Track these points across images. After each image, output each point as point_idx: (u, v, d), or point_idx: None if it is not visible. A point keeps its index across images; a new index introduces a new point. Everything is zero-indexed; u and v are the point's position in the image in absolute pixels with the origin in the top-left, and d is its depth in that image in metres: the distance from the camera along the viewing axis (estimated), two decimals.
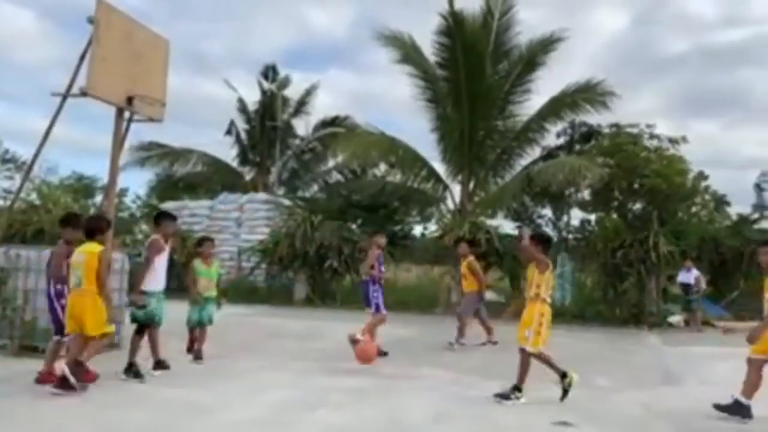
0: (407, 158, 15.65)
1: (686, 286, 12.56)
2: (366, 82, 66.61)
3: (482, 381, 6.40)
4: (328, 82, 59.30)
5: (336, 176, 20.37)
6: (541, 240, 5.89)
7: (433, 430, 4.56)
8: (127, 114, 7.42)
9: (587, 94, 14.60)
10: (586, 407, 5.34)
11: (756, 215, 17.89)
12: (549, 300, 5.70)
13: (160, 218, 6.48)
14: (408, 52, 15.42)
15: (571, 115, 15.41)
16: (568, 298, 14.51)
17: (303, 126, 21.11)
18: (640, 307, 12.82)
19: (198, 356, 6.97)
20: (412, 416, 4.88)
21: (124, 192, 26.89)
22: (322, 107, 38.57)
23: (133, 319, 6.06)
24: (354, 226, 17.27)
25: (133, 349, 5.94)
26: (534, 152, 16.20)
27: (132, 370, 5.82)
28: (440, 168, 16.16)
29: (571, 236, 17.13)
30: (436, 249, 15.47)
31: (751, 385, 5.19)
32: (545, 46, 14.98)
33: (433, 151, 16.31)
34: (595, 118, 15.52)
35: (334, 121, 20.42)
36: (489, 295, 16.28)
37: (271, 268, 15.97)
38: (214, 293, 7.34)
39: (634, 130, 14.10)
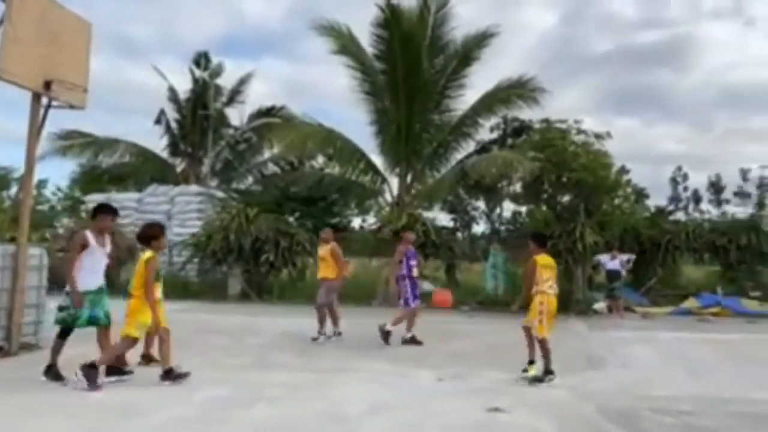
0: (345, 150, 15.61)
1: (613, 273, 13.30)
2: (302, 72, 65.79)
3: (416, 370, 6.50)
4: (263, 71, 58.74)
5: (272, 168, 20.00)
6: (533, 238, 6.72)
7: (369, 421, 4.58)
8: (44, 100, 6.95)
9: (519, 90, 15.07)
10: (517, 393, 5.54)
11: (671, 207, 19.17)
12: (550, 291, 6.41)
13: (97, 211, 5.93)
14: (345, 44, 15.34)
15: (503, 110, 15.90)
16: (501, 287, 14.99)
17: (237, 116, 20.58)
18: (567, 294, 13.42)
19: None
20: (349, 408, 4.89)
21: (43, 183, 25.31)
22: (256, 97, 37.61)
23: (57, 321, 5.60)
24: (291, 219, 17.04)
25: (55, 351, 5.57)
26: (468, 146, 16.61)
27: (52, 372, 5.50)
28: (378, 161, 16.26)
29: (503, 228, 17.71)
30: (375, 241, 15.54)
31: None
32: (479, 41, 15.33)
33: (371, 144, 16.39)
34: (526, 113, 16.09)
35: (269, 111, 20.01)
36: (425, 286, 16.63)
37: (203, 263, 15.51)
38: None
39: (563, 126, 14.68)
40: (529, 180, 13.64)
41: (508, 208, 18.00)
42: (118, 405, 4.83)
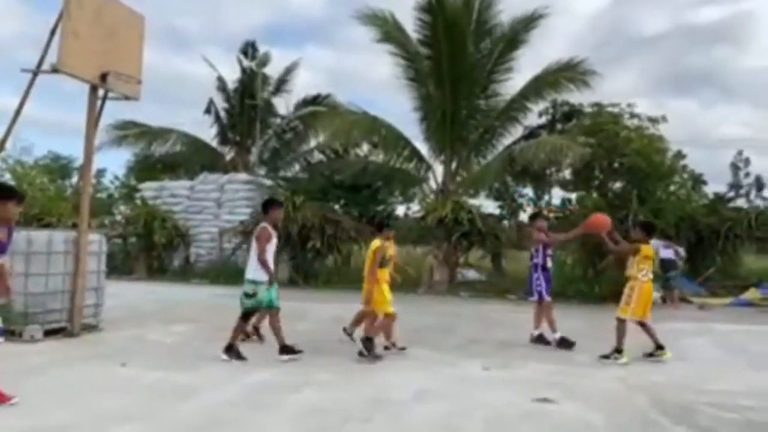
0: (390, 138, 15.58)
1: (667, 262, 12.80)
2: (346, 60, 65.91)
3: (462, 359, 6.46)
4: (308, 59, 58.77)
5: (318, 156, 20.20)
6: (643, 226, 6.92)
7: (415, 408, 4.59)
8: (101, 91, 7.23)
9: (569, 73, 14.62)
10: (566, 384, 5.42)
11: (731, 194, 18.24)
12: (644, 278, 6.57)
13: (270, 204, 6.51)
14: (389, 30, 15.24)
15: (553, 94, 15.46)
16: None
17: (283, 105, 20.84)
18: (618, 284, 13.01)
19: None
20: (395, 395, 4.91)
21: (101, 172, 26.42)
22: (302, 85, 38.01)
23: (248, 308, 6.19)
24: (336, 207, 17.23)
25: (236, 333, 6.12)
26: (516, 131, 16.27)
27: (234, 351, 6.00)
28: (423, 148, 16.17)
29: (552, 215, 17.27)
30: (419, 229, 15.51)
31: None
32: (527, 23, 14.92)
33: (415, 131, 16.29)
34: (576, 97, 15.60)
35: (315, 100, 20.16)
36: (471, 274, 16.50)
37: None
38: None
39: (615, 110, 14.16)
40: (579, 166, 13.27)
41: (556, 195, 17.57)
42: (171, 386, 5.02)
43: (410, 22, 15.15)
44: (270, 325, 6.29)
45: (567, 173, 14.94)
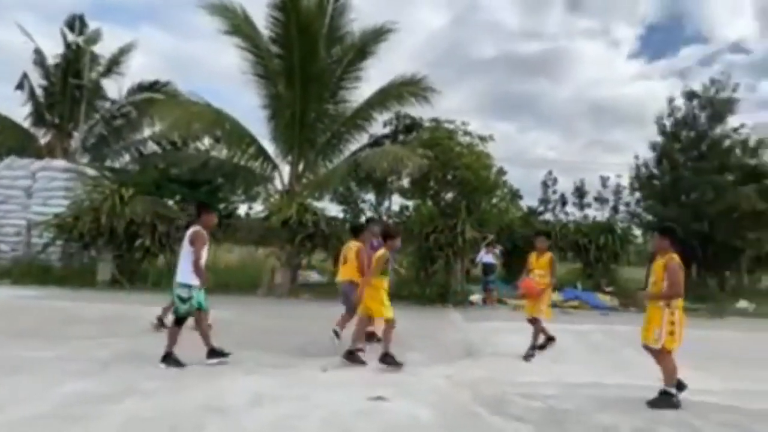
0: (234, 133, 15.00)
1: (488, 266, 14.18)
2: (186, 46, 62.21)
3: (299, 361, 6.46)
4: (144, 41, 54.08)
5: (152, 147, 18.70)
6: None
7: (250, 413, 4.47)
8: None
9: (411, 87, 15.41)
10: (399, 382, 5.71)
11: (541, 208, 20.84)
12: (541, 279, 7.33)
13: (202, 210, 6.43)
14: (239, 24, 14.70)
15: (396, 106, 16.16)
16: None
17: (115, 88, 18.96)
18: (446, 287, 14.08)
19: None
20: (228, 400, 4.73)
21: None
22: (137, 69, 34.85)
23: (183, 313, 6.03)
24: (171, 202, 16.10)
25: (172, 340, 5.98)
26: (362, 139, 16.71)
27: (171, 359, 5.89)
28: (269, 147, 15.82)
29: (391, 221, 18.09)
30: (262, 230, 15.15)
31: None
32: (376, 36, 15.45)
33: (262, 129, 15.89)
34: (417, 111, 16.52)
35: (152, 86, 18.67)
36: (314, 276, 16.56)
37: (68, 246, 14.18)
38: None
39: (451, 126, 15.35)
40: (417, 176, 14.09)
41: (396, 202, 18.46)
42: None
43: (261, 18, 14.79)
44: (197, 326, 6.20)
45: (406, 182, 15.80)
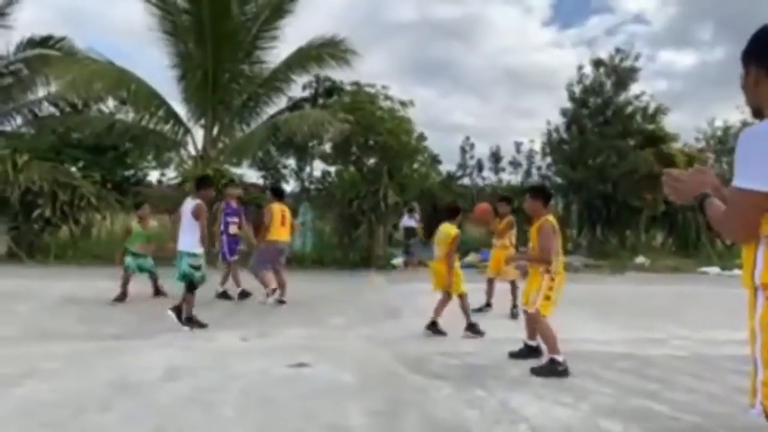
0: (141, 94, 14.03)
1: (409, 230, 14.42)
2: None
3: (218, 332, 6.29)
4: None
5: (48, 109, 17.10)
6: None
7: (165, 388, 4.28)
8: None
9: (332, 49, 15.03)
10: (320, 347, 5.70)
11: (460, 173, 21.35)
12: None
13: (202, 184, 6.84)
14: None
15: (316, 68, 15.74)
16: (309, 245, 15.21)
17: (2, 43, 17.01)
18: (370, 251, 14.20)
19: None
20: (140, 377, 4.51)
21: None
22: (25, 23, 31.38)
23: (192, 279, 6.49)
24: (73, 169, 14.96)
25: (190, 304, 6.49)
26: (281, 102, 16.21)
27: (194, 321, 6.46)
28: (181, 109, 14.96)
29: (312, 187, 17.88)
30: (176, 197, 14.44)
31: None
32: None
33: (172, 90, 14.98)
34: (338, 74, 16.19)
35: (45, 42, 16.91)
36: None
37: None
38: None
39: (372, 90, 15.19)
40: (338, 141, 13.91)
41: (317, 167, 18.19)
42: None
43: None
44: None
45: (328, 147, 15.56)
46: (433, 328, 6.45)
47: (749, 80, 1.86)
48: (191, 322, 6.45)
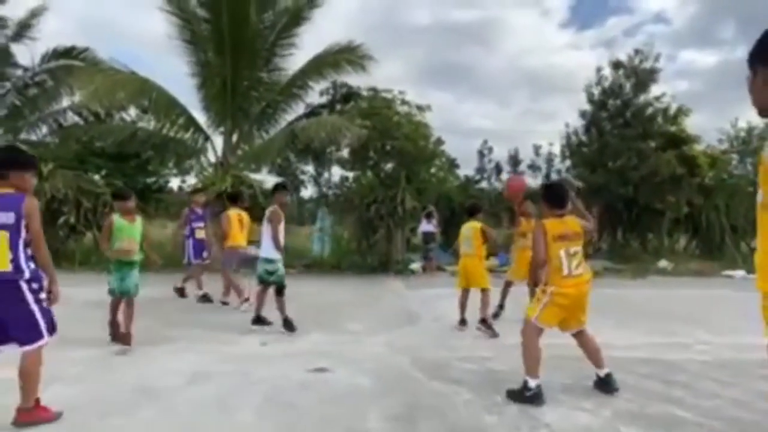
0: (162, 103, 14.26)
1: (428, 235, 14.40)
2: (103, 8, 58.16)
3: (238, 337, 6.36)
4: (56, 3, 49.91)
5: (73, 118, 17.47)
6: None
7: (188, 393, 4.35)
8: None
9: (348, 55, 15.12)
10: (339, 352, 5.72)
11: (477, 177, 21.27)
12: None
13: (276, 190, 6.90)
14: None
15: (333, 74, 15.83)
16: (327, 250, 15.28)
17: (26, 54, 17.48)
18: (388, 256, 14.21)
19: (125, 340, 5.88)
20: (165, 381, 4.58)
21: None
22: (50, 34, 32.11)
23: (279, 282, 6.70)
24: (97, 177, 15.27)
25: (282, 307, 6.74)
26: (298, 108, 16.32)
27: (288, 323, 6.68)
28: (201, 117, 15.18)
29: (331, 192, 17.97)
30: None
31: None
32: (310, 1, 14.98)
33: (192, 98, 15.22)
34: (354, 79, 16.26)
35: (69, 52, 17.32)
36: (252, 250, 16.22)
37: None
38: (138, 257, 6.12)
39: (389, 95, 15.23)
40: (356, 146, 13.96)
41: (336, 173, 18.28)
42: None
43: None
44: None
45: (345, 153, 15.64)
46: (484, 325, 6.76)
47: (757, 81, 1.88)
48: (287, 323, 6.64)
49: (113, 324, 6.02)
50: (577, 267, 4.42)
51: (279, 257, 6.65)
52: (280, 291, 6.73)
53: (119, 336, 5.92)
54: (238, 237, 8.68)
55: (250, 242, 10.37)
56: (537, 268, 4.52)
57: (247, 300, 8.09)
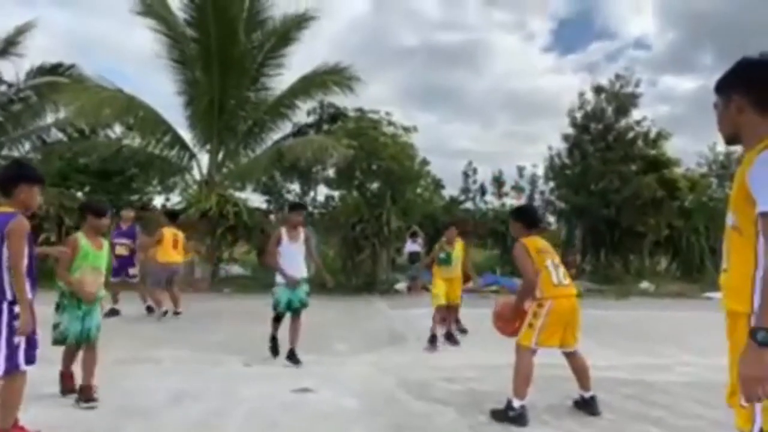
0: (148, 121, 14.26)
1: (413, 255, 14.44)
2: (90, 25, 58.10)
3: (222, 357, 6.30)
4: (42, 20, 49.81)
5: (56, 135, 17.33)
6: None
7: (171, 412, 4.30)
8: None
9: (335, 76, 15.29)
10: (324, 372, 5.70)
11: (462, 197, 21.36)
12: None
13: (290, 210, 6.56)
14: (151, 5, 13.94)
15: (320, 94, 16.00)
16: (312, 269, 15.20)
17: (10, 71, 17.34)
18: (373, 276, 14.21)
19: (86, 393, 4.49)
20: (146, 401, 4.53)
21: None
22: (36, 51, 31.97)
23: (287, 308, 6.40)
24: (80, 194, 15.12)
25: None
26: (285, 127, 16.43)
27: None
28: (187, 135, 15.18)
29: (316, 211, 17.97)
30: (180, 222, 14.54)
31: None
32: (299, 22, 15.17)
33: (178, 116, 15.22)
34: (341, 100, 16.43)
35: (54, 69, 17.25)
36: (235, 269, 16.12)
37: None
38: (102, 292, 4.72)
39: (375, 116, 15.40)
40: (342, 166, 14.05)
41: (321, 192, 18.32)
42: None
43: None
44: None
45: (331, 172, 15.71)
46: (451, 339, 7.51)
47: (731, 108, 1.93)
48: (292, 356, 6.12)
49: (65, 376, 4.72)
50: (565, 277, 4.55)
51: (298, 277, 6.34)
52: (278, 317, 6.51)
53: (75, 389, 4.60)
54: (171, 254, 8.95)
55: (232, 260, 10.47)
56: (531, 286, 4.39)
57: (166, 313, 8.70)
